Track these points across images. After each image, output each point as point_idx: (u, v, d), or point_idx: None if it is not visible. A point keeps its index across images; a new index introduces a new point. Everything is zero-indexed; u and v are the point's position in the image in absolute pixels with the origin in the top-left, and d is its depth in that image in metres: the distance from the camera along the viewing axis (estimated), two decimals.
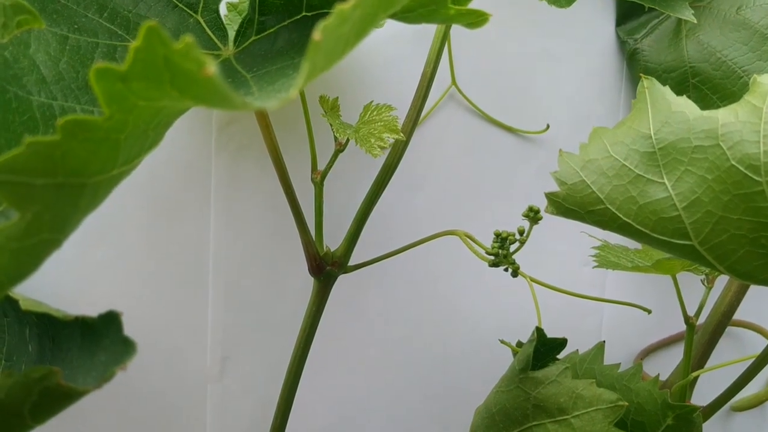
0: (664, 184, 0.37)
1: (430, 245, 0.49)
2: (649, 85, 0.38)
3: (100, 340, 0.29)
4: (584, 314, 0.61)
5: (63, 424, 0.51)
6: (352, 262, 0.49)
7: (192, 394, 0.54)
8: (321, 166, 0.47)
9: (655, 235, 0.38)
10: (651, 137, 0.37)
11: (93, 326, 0.29)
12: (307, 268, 0.48)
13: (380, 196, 0.47)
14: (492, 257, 0.42)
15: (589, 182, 0.38)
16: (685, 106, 0.37)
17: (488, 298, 0.57)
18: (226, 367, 0.54)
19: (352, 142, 0.45)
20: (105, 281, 0.51)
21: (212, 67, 0.20)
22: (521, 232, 0.42)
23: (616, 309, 0.60)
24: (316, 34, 0.21)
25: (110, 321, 0.28)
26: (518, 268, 0.42)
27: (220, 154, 0.52)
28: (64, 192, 0.25)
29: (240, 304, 0.53)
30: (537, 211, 0.41)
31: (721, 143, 0.36)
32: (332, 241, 0.49)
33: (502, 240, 0.42)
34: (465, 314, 0.58)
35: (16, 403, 0.26)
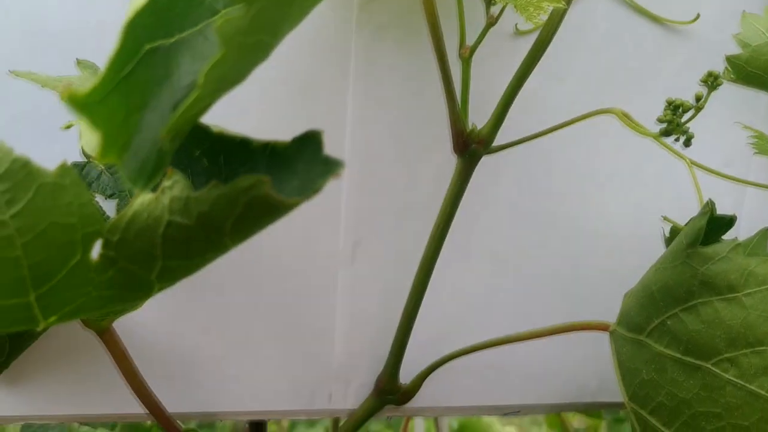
0: None
1: (577, 129, 0.47)
2: None
3: (292, 165, 0.28)
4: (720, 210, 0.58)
5: (195, 298, 0.51)
6: (496, 143, 0.47)
7: (322, 277, 0.53)
8: (468, 44, 0.46)
9: None
10: None
11: (284, 152, 0.29)
12: (446, 149, 0.47)
13: (531, 72, 0.46)
14: (664, 125, 0.40)
15: None
16: None
17: (636, 185, 0.55)
18: (357, 251, 0.53)
19: (499, 21, 0.44)
20: None
21: None
22: (698, 98, 0.40)
23: (757, 209, 0.57)
24: None
25: (307, 143, 0.27)
26: (692, 136, 0.40)
27: (362, 32, 0.50)
28: None
29: (375, 186, 0.52)
30: (717, 76, 0.39)
31: None
32: (474, 123, 0.47)
33: (675, 107, 0.39)
34: (607, 201, 0.56)
35: (219, 217, 0.26)
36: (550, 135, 0.48)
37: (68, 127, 0.35)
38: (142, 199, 0.26)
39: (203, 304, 0.52)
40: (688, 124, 0.39)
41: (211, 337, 0.52)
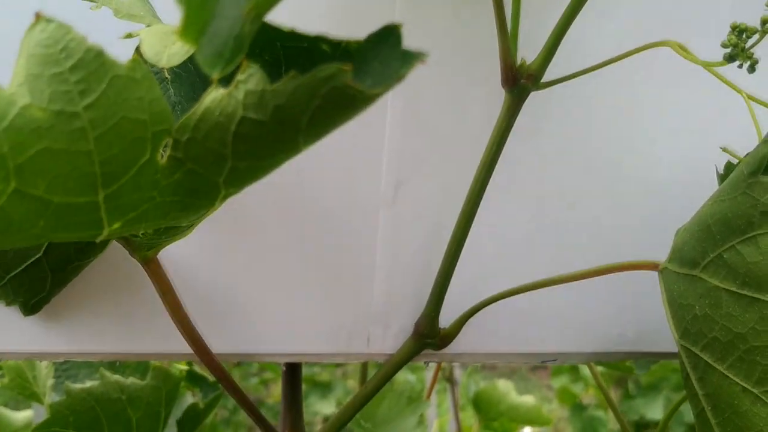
0: None
1: (630, 64, 0.47)
2: None
3: (367, 63, 0.27)
4: None
5: (236, 237, 0.51)
6: (546, 79, 0.47)
7: (363, 218, 0.53)
8: None
9: None
10: None
11: (359, 52, 0.28)
12: (493, 84, 0.46)
13: (583, 6, 0.45)
14: (729, 50, 0.39)
15: None
16: None
17: (693, 121, 0.55)
18: (399, 190, 0.53)
19: None
20: None
21: None
22: (765, 22, 0.39)
23: None
24: None
25: (384, 38, 0.26)
26: (757, 62, 0.39)
27: None
28: None
29: (418, 124, 0.52)
30: None
31: None
32: (525, 58, 0.46)
33: (740, 32, 0.39)
34: (664, 138, 0.55)
35: (296, 111, 0.25)
36: (599, 73, 0.47)
37: (128, 36, 0.34)
38: (214, 95, 0.26)
39: (244, 242, 0.52)
40: (753, 50, 0.39)
41: (250, 275, 0.52)
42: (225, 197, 0.29)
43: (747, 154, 0.40)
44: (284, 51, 0.32)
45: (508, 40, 0.45)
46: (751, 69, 0.39)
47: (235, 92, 0.25)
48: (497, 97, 0.47)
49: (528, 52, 0.46)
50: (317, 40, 0.31)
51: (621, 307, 0.57)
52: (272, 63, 0.32)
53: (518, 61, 0.46)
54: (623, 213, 0.55)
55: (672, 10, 0.54)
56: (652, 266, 0.46)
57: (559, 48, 0.46)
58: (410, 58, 0.25)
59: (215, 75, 0.23)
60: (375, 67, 0.26)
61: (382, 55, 0.26)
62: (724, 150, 0.45)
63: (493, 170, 0.48)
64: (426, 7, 0.50)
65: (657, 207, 0.55)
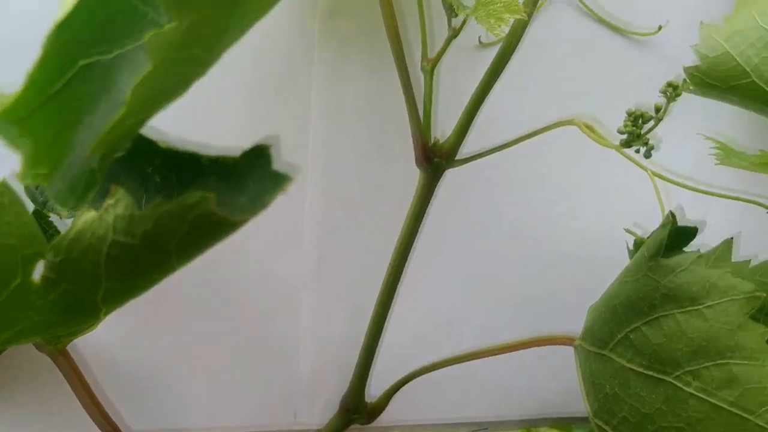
0: None
1: (541, 141, 0.47)
2: None
3: (241, 181, 0.27)
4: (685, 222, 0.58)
5: (155, 314, 0.50)
6: (460, 156, 0.47)
7: (287, 293, 0.53)
8: (431, 56, 0.46)
9: None
10: None
11: (234, 167, 0.28)
12: (410, 162, 0.47)
13: (494, 84, 0.45)
14: (625, 136, 0.40)
15: (734, 54, 0.36)
16: None
17: (601, 196, 0.55)
18: (321, 266, 0.52)
19: (462, 32, 0.43)
20: None
21: None
22: (658, 109, 0.39)
23: (723, 218, 0.57)
24: None
25: (257, 157, 0.27)
26: (652, 147, 0.39)
27: (324, 47, 0.50)
28: (218, 6, 0.23)
29: (338, 200, 0.52)
30: (676, 87, 0.39)
31: None
32: (439, 135, 0.47)
33: (636, 118, 0.39)
34: (574, 213, 0.55)
35: (164, 236, 0.25)
36: (515, 146, 0.48)
37: None
38: (86, 217, 0.25)
39: (166, 318, 0.51)
40: (649, 135, 0.39)
41: (175, 354, 0.51)
42: (107, 312, 0.29)
43: (649, 235, 0.40)
44: (165, 161, 0.32)
45: (419, 121, 0.45)
46: (648, 154, 0.39)
47: (105, 216, 0.25)
48: (416, 172, 0.47)
49: (446, 127, 0.47)
50: (195, 155, 0.31)
51: (549, 374, 0.57)
52: (158, 172, 0.32)
53: (432, 140, 0.46)
54: (545, 285, 0.56)
55: (587, 85, 0.55)
56: (568, 341, 0.46)
57: (479, 122, 0.47)
58: (281, 181, 0.25)
59: (64, 213, 0.23)
60: (249, 186, 0.27)
61: (256, 173, 0.26)
62: (628, 231, 0.45)
63: (411, 246, 0.48)
64: (343, 84, 0.51)
65: (576, 279, 0.56)
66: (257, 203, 0.24)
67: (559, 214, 0.55)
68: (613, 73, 0.55)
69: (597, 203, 0.55)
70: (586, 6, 0.53)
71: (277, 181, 0.25)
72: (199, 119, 0.49)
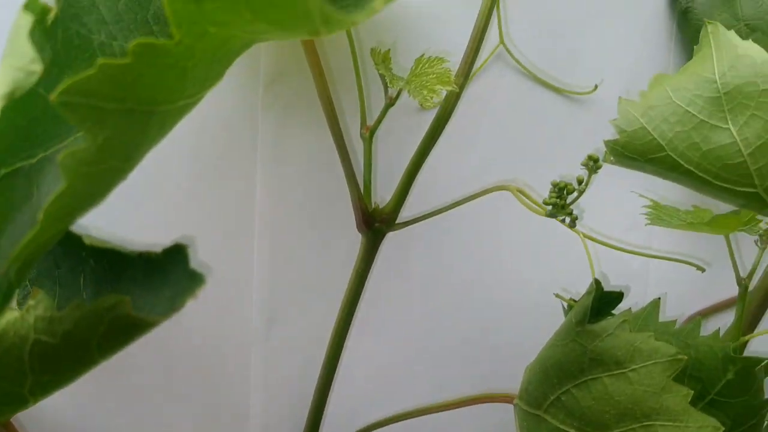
0: (728, 129, 0.36)
1: (478, 203, 0.49)
2: (714, 29, 0.37)
3: (165, 276, 0.28)
4: (629, 279, 0.60)
5: (105, 380, 0.51)
6: (399, 220, 0.48)
7: (236, 355, 0.53)
8: (370, 122, 0.47)
9: (718, 183, 0.37)
10: (716, 82, 0.36)
11: (157, 262, 0.29)
12: (354, 226, 0.48)
13: (431, 149, 0.47)
14: (549, 207, 0.41)
15: (650, 129, 0.37)
16: (752, 49, 0.36)
17: (537, 257, 0.57)
18: (271, 327, 0.53)
19: (402, 97, 0.45)
20: (148, 240, 0.50)
21: None
22: (580, 182, 0.41)
23: (662, 274, 0.59)
24: None
25: (176, 255, 0.28)
26: (576, 218, 0.41)
27: (267, 112, 0.51)
28: (133, 119, 0.24)
29: (286, 263, 0.53)
30: (596, 160, 0.40)
31: None
32: (380, 199, 0.48)
33: (560, 189, 0.41)
34: (514, 273, 0.57)
35: (84, 335, 0.26)
36: (455, 210, 0.49)
37: None
38: (9, 317, 0.26)
39: (115, 385, 0.51)
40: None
41: (125, 418, 0.52)
42: (36, 401, 0.30)
43: (577, 300, 0.42)
44: (91, 254, 0.33)
45: (358, 188, 0.46)
46: (572, 225, 0.41)
47: (26, 316, 0.26)
48: (359, 235, 0.48)
49: (388, 190, 0.48)
50: (119, 251, 0.32)
51: (496, 427, 0.58)
52: (93, 259, 0.33)
53: (373, 204, 0.48)
54: (488, 342, 0.57)
55: (527, 145, 0.56)
56: (508, 399, 0.47)
57: (421, 184, 0.48)
58: (197, 280, 0.26)
59: None
60: (171, 281, 0.28)
61: (176, 270, 0.27)
62: (557, 296, 0.47)
63: (355, 308, 0.49)
64: (287, 153, 0.52)
65: (517, 336, 0.57)
66: (176, 302, 0.25)
67: (500, 274, 0.57)
68: (554, 132, 0.56)
69: (535, 263, 0.57)
70: (524, 67, 0.55)
71: (194, 280, 0.26)
72: (147, 186, 0.50)
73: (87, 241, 0.33)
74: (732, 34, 0.37)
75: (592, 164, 0.40)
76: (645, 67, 0.58)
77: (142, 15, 0.33)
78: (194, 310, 0.52)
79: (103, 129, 0.23)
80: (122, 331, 0.26)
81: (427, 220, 0.49)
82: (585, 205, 0.53)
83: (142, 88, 0.24)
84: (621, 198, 0.57)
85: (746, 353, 0.53)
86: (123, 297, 0.25)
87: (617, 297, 0.41)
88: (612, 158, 0.39)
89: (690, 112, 0.37)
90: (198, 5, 0.22)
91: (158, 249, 0.29)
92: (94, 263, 0.34)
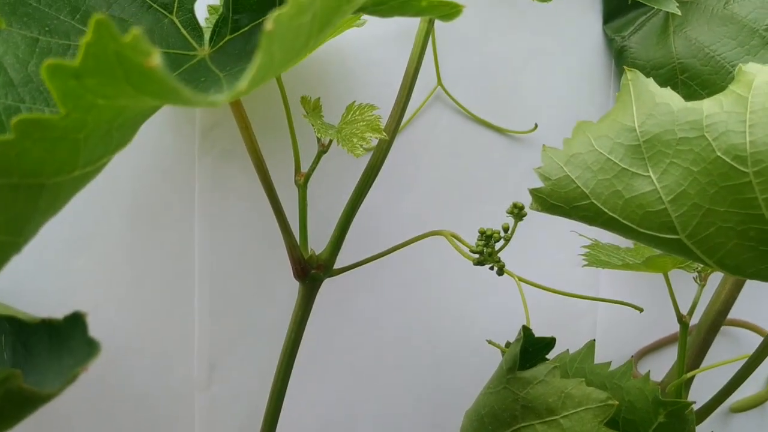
0: (649, 177, 0.36)
1: (417, 247, 0.48)
2: (633, 77, 0.37)
3: (66, 342, 0.28)
4: (577, 316, 0.60)
5: None
6: (337, 265, 0.48)
7: (180, 402, 0.53)
8: (305, 169, 0.47)
9: (642, 230, 0.37)
10: (635, 130, 0.36)
11: (59, 328, 0.29)
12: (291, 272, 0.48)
13: (364, 197, 0.47)
14: (477, 255, 0.41)
15: (573, 177, 0.37)
16: (669, 97, 0.36)
17: (478, 299, 0.57)
18: (213, 374, 0.53)
19: (335, 143, 0.45)
20: (88, 289, 0.50)
21: (156, 59, 0.19)
22: (506, 229, 0.41)
23: (609, 310, 0.59)
24: (268, 24, 0.20)
25: (75, 322, 0.27)
26: (503, 266, 0.41)
27: (204, 159, 0.51)
28: (20, 193, 0.24)
29: (226, 310, 0.52)
30: (521, 208, 0.40)
31: (706, 134, 0.35)
32: (318, 244, 0.48)
33: (487, 238, 0.41)
34: (454, 316, 0.57)
35: None
36: (392, 256, 0.49)
37: None
38: None
39: None
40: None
41: None
42: None
43: (508, 348, 0.41)
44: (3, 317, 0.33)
45: (292, 237, 0.46)
46: (500, 272, 0.41)
47: None
48: (296, 284, 0.48)
49: (324, 237, 0.48)
50: (19, 320, 0.32)
51: None
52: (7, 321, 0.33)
53: (309, 252, 0.47)
54: (427, 385, 0.57)
55: (468, 184, 0.56)
56: None
57: (360, 228, 0.48)
58: (93, 349, 0.26)
59: None
60: (74, 347, 0.27)
61: (76, 337, 0.27)
62: (490, 342, 0.46)
63: (295, 354, 0.49)
64: (225, 200, 0.52)
65: (456, 380, 0.57)
66: (72, 372, 0.25)
67: (439, 317, 0.56)
68: (495, 171, 0.57)
69: (475, 305, 0.57)
70: (462, 107, 0.55)
71: (91, 349, 0.26)
72: (85, 237, 0.49)
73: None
74: (650, 82, 0.37)
75: (517, 212, 0.40)
76: (585, 105, 0.59)
77: None
78: (136, 359, 0.52)
79: None
80: (17, 403, 0.25)
81: (364, 266, 0.49)
82: (531, 243, 0.53)
83: (29, 162, 0.24)
84: (568, 235, 0.58)
85: (692, 392, 0.54)
86: (13, 371, 0.24)
87: (549, 342, 0.41)
88: (537, 206, 0.39)
89: (612, 159, 0.37)
90: (79, 81, 0.22)
91: (59, 317, 0.29)
92: (10, 326, 0.34)
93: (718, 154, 0.35)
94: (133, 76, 0.22)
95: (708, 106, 0.35)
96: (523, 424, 0.40)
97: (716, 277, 0.53)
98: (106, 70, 0.22)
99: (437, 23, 0.50)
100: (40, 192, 0.25)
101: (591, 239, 0.51)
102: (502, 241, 0.41)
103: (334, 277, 0.49)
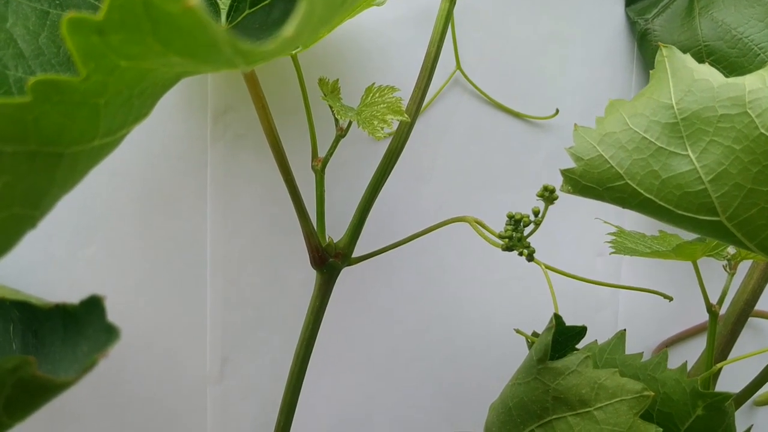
0: (688, 156, 0.35)
1: (437, 234, 0.47)
2: (669, 53, 0.36)
3: (82, 329, 0.26)
4: (599, 307, 0.58)
5: (58, 428, 0.48)
6: (356, 253, 0.46)
7: (192, 396, 0.51)
8: (322, 154, 0.45)
9: (679, 212, 0.36)
10: (673, 107, 0.35)
11: (75, 315, 0.27)
12: (309, 261, 0.46)
13: (384, 183, 0.45)
14: (505, 240, 0.39)
15: (607, 157, 0.36)
16: (708, 73, 0.34)
17: (500, 289, 0.55)
18: (226, 367, 0.51)
19: (353, 127, 0.43)
20: (98, 279, 0.48)
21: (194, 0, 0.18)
22: (536, 213, 0.39)
23: (632, 301, 0.58)
24: None
25: (93, 307, 0.26)
26: (534, 251, 0.39)
27: (216, 145, 0.49)
28: (37, 162, 0.22)
29: (240, 301, 0.51)
30: (552, 191, 0.39)
31: (749, 110, 0.33)
32: (335, 232, 0.46)
33: (516, 222, 0.39)
34: (475, 306, 0.55)
35: None
36: (412, 245, 0.47)
37: None
38: None
39: (72, 428, 0.49)
40: (533, 236, 0.39)
41: None
42: None
43: (535, 338, 0.40)
44: (14, 304, 0.31)
45: (310, 224, 0.44)
46: (529, 258, 0.39)
47: None
48: (313, 273, 0.46)
49: (342, 224, 0.46)
50: (33, 305, 0.30)
51: None
52: (17, 309, 0.31)
53: (326, 240, 0.46)
54: (450, 377, 0.55)
55: (488, 171, 0.55)
56: None
57: (379, 215, 0.46)
58: (112, 335, 0.24)
59: None
60: (90, 334, 0.25)
61: (93, 323, 0.25)
62: (517, 332, 0.45)
63: (312, 345, 0.47)
64: (238, 186, 0.50)
65: (481, 371, 0.55)
66: (90, 360, 0.23)
67: (460, 307, 0.55)
68: (515, 157, 0.55)
69: (499, 294, 0.55)
70: (482, 91, 0.54)
71: (110, 335, 0.24)
72: (96, 225, 0.48)
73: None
74: (688, 58, 0.35)
75: (548, 195, 0.39)
76: (607, 90, 0.57)
77: (65, 48, 0.31)
78: (147, 351, 0.50)
79: (1, 173, 0.21)
80: (30, 393, 0.23)
81: (383, 254, 0.47)
82: (551, 232, 0.52)
83: (46, 128, 0.22)
84: (589, 224, 0.56)
85: (717, 385, 0.52)
86: (27, 358, 0.22)
87: (580, 331, 0.40)
88: (569, 188, 0.37)
89: (647, 138, 0.35)
90: (102, 38, 0.21)
91: (75, 301, 0.27)
92: (19, 313, 0.32)
93: (762, 131, 0.33)
94: (162, 29, 0.20)
95: (750, 81, 0.33)
96: (554, 416, 0.38)
97: (744, 266, 0.52)
98: (132, 24, 0.20)
99: (457, 4, 0.49)
100: (58, 162, 0.23)
101: (616, 227, 0.50)
102: (532, 226, 0.39)
103: (353, 267, 0.47)
